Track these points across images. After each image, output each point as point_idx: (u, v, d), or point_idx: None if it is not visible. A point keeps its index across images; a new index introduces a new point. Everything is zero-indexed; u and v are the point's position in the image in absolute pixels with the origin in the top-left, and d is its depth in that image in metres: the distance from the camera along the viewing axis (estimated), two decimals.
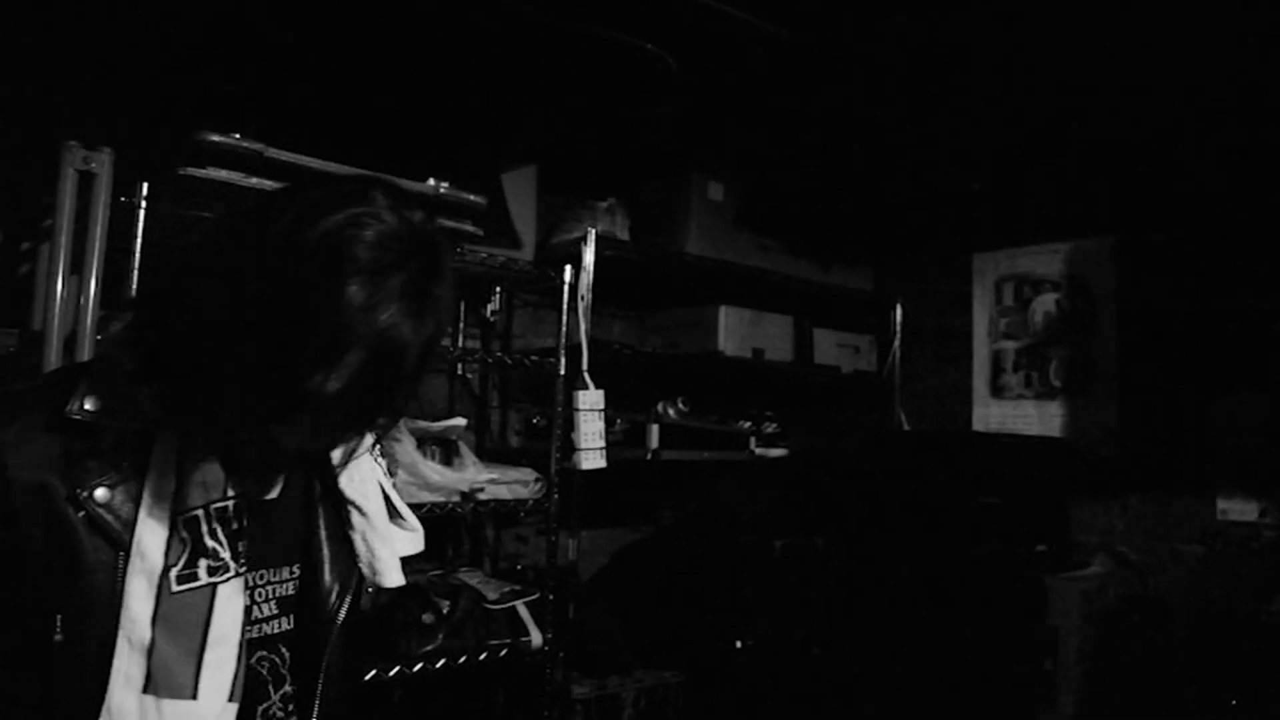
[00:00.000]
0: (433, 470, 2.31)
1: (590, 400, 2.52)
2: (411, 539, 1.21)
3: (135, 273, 1.77)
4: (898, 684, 2.78)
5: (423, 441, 2.47)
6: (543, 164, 2.84)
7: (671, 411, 2.89)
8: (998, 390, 3.23)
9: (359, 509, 1.09)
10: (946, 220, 3.38)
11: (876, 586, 2.90)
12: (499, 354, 2.91)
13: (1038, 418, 3.11)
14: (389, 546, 1.12)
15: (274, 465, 0.98)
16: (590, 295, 2.60)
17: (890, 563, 2.89)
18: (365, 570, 1.11)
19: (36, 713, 0.87)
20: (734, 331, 3.06)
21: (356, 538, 1.10)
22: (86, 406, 0.89)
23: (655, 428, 2.76)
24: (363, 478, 1.10)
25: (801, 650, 2.98)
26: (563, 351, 2.55)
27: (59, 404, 0.89)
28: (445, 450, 2.51)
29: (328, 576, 1.07)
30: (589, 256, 2.63)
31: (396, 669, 2.19)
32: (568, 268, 2.60)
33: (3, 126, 2.14)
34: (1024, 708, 2.62)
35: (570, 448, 2.53)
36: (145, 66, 2.12)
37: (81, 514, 0.87)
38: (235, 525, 0.96)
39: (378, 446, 1.15)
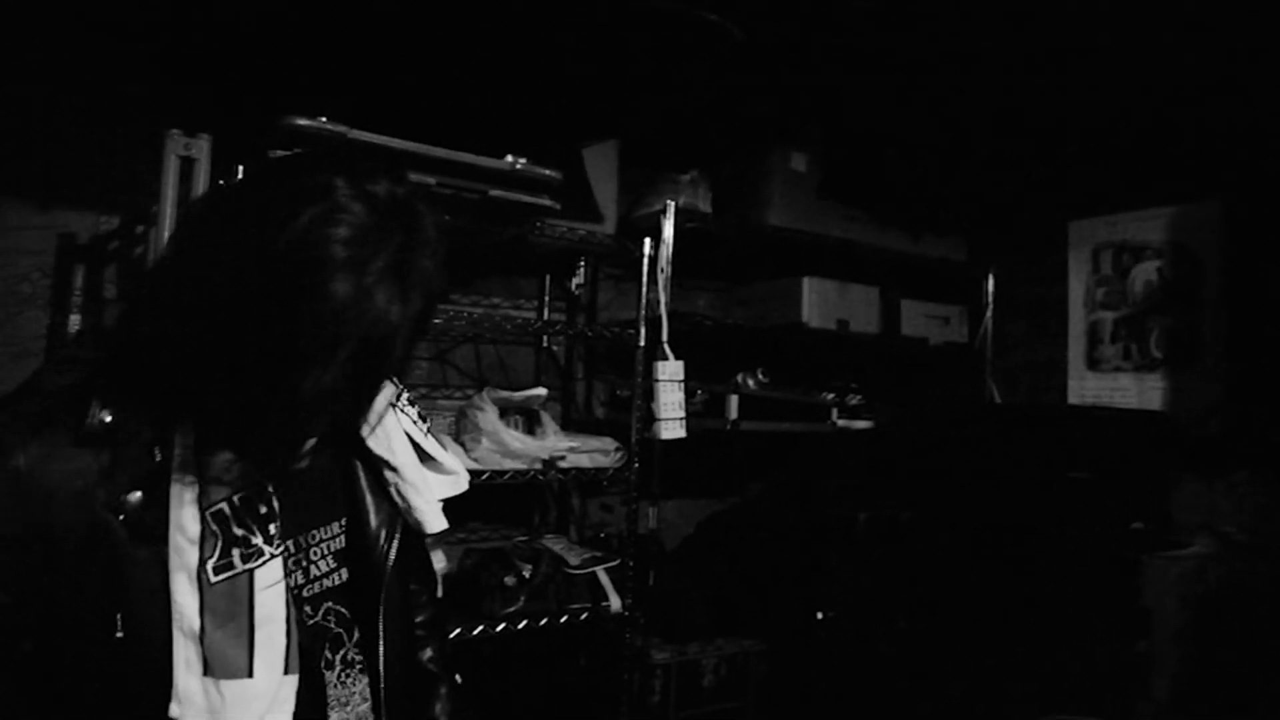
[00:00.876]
0: (514, 438, 2.40)
1: (669, 371, 2.55)
2: (450, 481, 1.26)
3: None
4: (983, 661, 2.74)
5: (505, 411, 2.55)
6: (624, 138, 2.87)
7: (751, 382, 2.89)
8: (1094, 362, 3.11)
9: (388, 464, 1.14)
10: (1042, 186, 3.26)
11: (964, 562, 2.86)
12: (581, 326, 2.97)
13: (1136, 391, 2.99)
14: (423, 495, 1.17)
15: (284, 451, 1.00)
16: (670, 267, 2.62)
17: (979, 538, 2.84)
18: (410, 520, 1.17)
19: (113, 706, 0.92)
20: (818, 303, 3.04)
21: (392, 491, 1.15)
22: (105, 419, 0.91)
23: (734, 398, 2.77)
24: (386, 433, 1.14)
25: (886, 624, 2.97)
26: (642, 323, 2.59)
27: (78, 417, 0.91)
28: (528, 419, 2.59)
29: (373, 522, 1.12)
30: (668, 229, 2.65)
31: (480, 628, 2.29)
32: (646, 240, 2.62)
33: (119, 120, 2.30)
34: (1116, 690, 2.55)
35: (650, 418, 2.57)
36: (241, 53, 2.24)
37: (120, 518, 0.90)
38: (263, 509, 1.00)
39: (402, 397, 1.20)
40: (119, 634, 0.90)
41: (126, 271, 2.32)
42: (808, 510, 3.12)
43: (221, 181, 1.90)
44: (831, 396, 3.03)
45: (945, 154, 3.13)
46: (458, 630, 2.24)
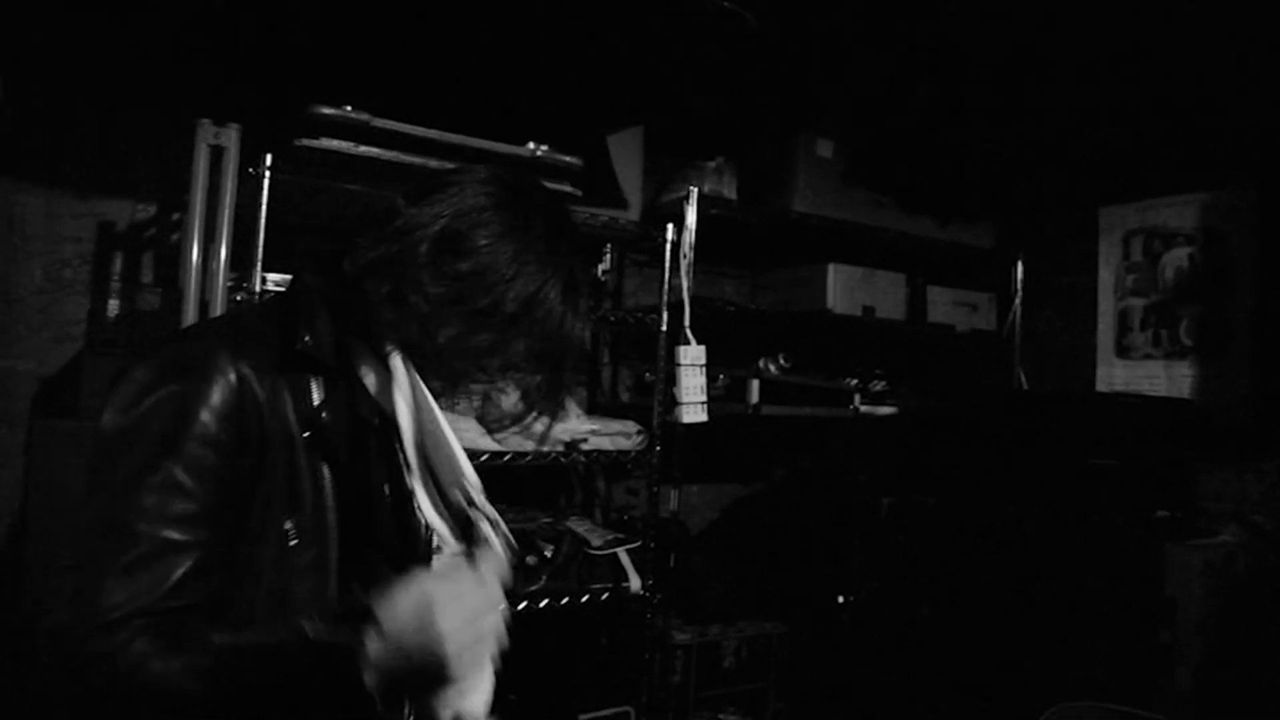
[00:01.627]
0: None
1: (691, 355, 2.58)
2: None
3: (261, 237, 1.94)
4: (1005, 647, 2.74)
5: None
6: (649, 125, 2.89)
7: (772, 368, 2.91)
8: (1123, 350, 3.08)
9: None
10: (1072, 173, 3.22)
11: (987, 548, 2.86)
12: (606, 311, 3.00)
13: (1165, 378, 2.95)
14: None
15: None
16: (693, 253, 2.64)
17: (1003, 525, 2.84)
18: None
19: (279, 609, 1.02)
20: (843, 289, 3.05)
21: None
22: (308, 340, 1.05)
23: (755, 383, 2.79)
24: None
25: (908, 608, 2.98)
26: (665, 308, 2.61)
27: (286, 340, 1.05)
28: None
29: None
30: (692, 215, 2.67)
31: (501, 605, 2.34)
32: (670, 226, 2.65)
33: (155, 110, 2.38)
34: (1139, 679, 2.54)
35: (672, 402, 2.60)
36: (266, 44, 2.30)
37: (306, 434, 1.04)
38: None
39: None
40: (293, 542, 1.02)
41: (163, 258, 2.40)
42: (831, 495, 3.14)
43: (250, 170, 1.96)
44: (854, 382, 3.03)
45: (973, 141, 3.10)
46: None
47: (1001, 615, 2.76)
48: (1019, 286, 3.40)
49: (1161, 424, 2.81)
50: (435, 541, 1.17)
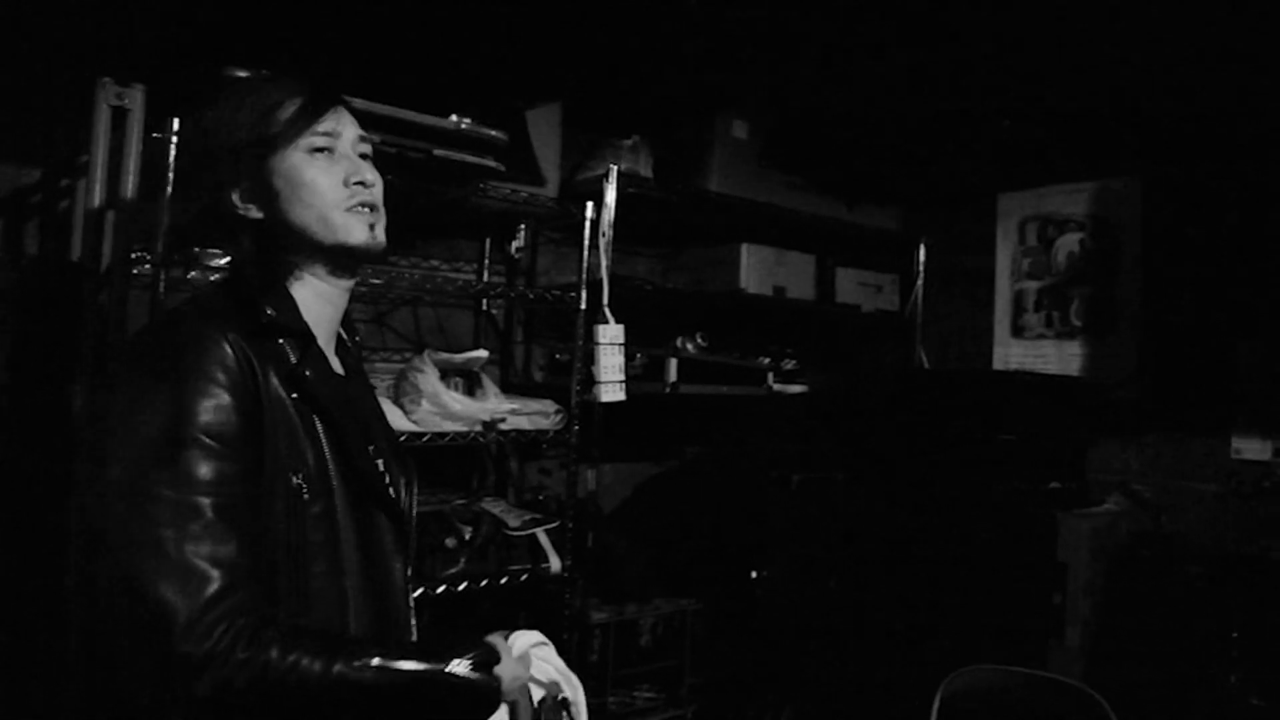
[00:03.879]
0: (455, 400, 2.39)
1: (610, 334, 2.57)
2: None
3: (167, 207, 1.83)
4: (912, 616, 2.85)
5: (446, 373, 2.54)
6: (568, 101, 2.85)
7: (690, 346, 2.93)
8: (1018, 330, 3.23)
9: None
10: (973, 160, 3.35)
11: (893, 521, 2.96)
12: (522, 289, 2.96)
13: (1057, 357, 3.12)
14: None
15: None
16: (611, 231, 2.63)
17: (907, 498, 2.95)
18: None
19: (296, 557, 1.07)
20: (756, 269, 3.09)
21: None
22: (270, 312, 1.10)
23: (673, 362, 2.81)
24: None
25: (818, 582, 3.06)
26: (584, 287, 2.60)
27: (252, 313, 1.09)
28: (468, 382, 2.58)
29: None
30: (610, 193, 2.66)
31: (420, 590, 2.29)
32: (589, 204, 2.63)
33: (40, 64, 2.20)
34: (1034, 640, 2.68)
35: (590, 381, 2.59)
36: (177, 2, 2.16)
37: (294, 395, 1.09)
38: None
39: None
40: (305, 495, 1.07)
41: (50, 226, 2.23)
42: (743, 472, 3.19)
43: (156, 135, 1.84)
44: (768, 361, 3.09)
45: (881, 126, 3.18)
46: None
47: (908, 585, 2.87)
48: (921, 268, 3.52)
49: (1053, 401, 2.96)
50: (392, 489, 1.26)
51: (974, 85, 2.78)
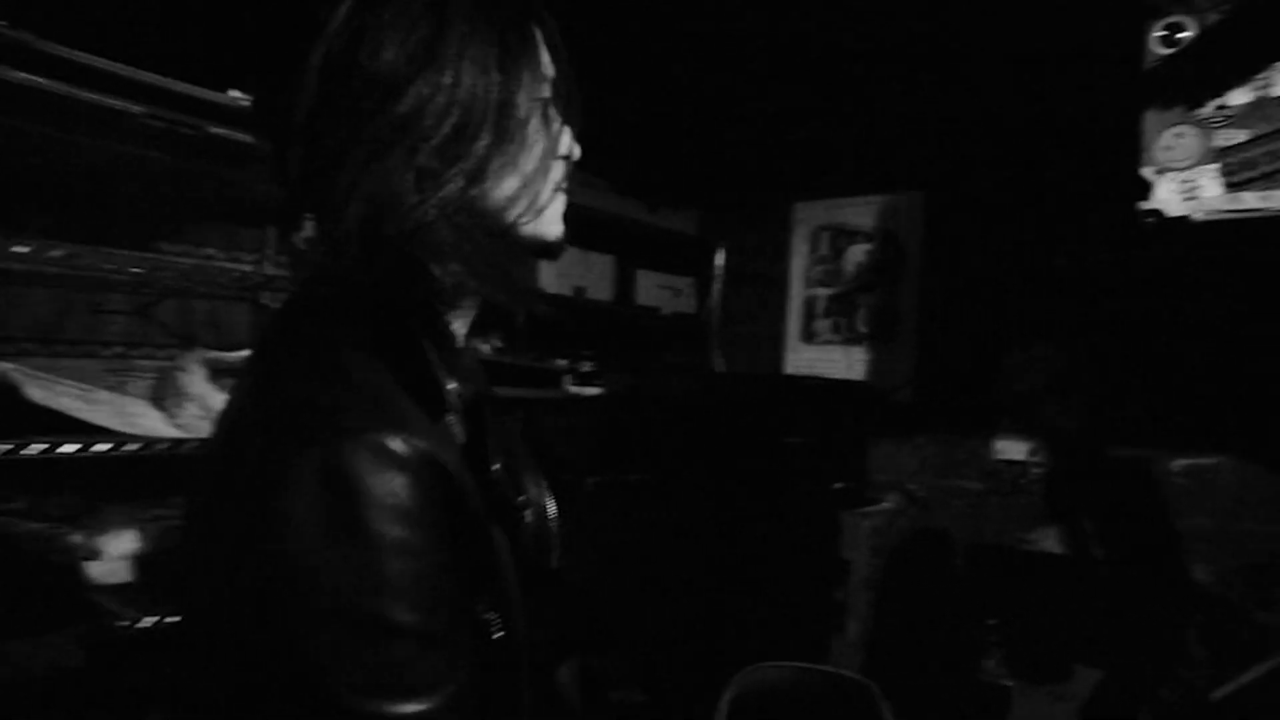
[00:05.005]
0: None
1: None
2: None
3: None
4: (703, 616, 2.88)
5: (217, 373, 2.33)
6: None
7: (486, 348, 2.83)
8: (809, 335, 3.36)
9: None
10: (771, 168, 3.45)
11: (686, 522, 2.99)
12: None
13: (844, 362, 3.26)
14: None
15: None
16: None
17: (700, 500, 2.98)
18: None
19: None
20: (556, 269, 3.04)
21: None
22: (449, 384, 0.78)
23: None
24: None
25: (614, 584, 3.04)
26: None
27: (427, 388, 0.76)
28: None
29: None
30: None
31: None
32: None
33: None
34: (819, 636, 2.78)
35: None
36: None
37: (483, 500, 0.77)
38: None
39: None
40: (498, 634, 0.76)
41: None
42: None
43: None
44: (564, 363, 3.04)
45: (682, 129, 3.21)
46: (156, 617, 2.02)
47: (701, 586, 2.91)
48: (719, 272, 3.58)
49: (840, 404, 3.09)
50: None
51: (766, 96, 2.86)
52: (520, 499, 0.89)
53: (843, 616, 2.80)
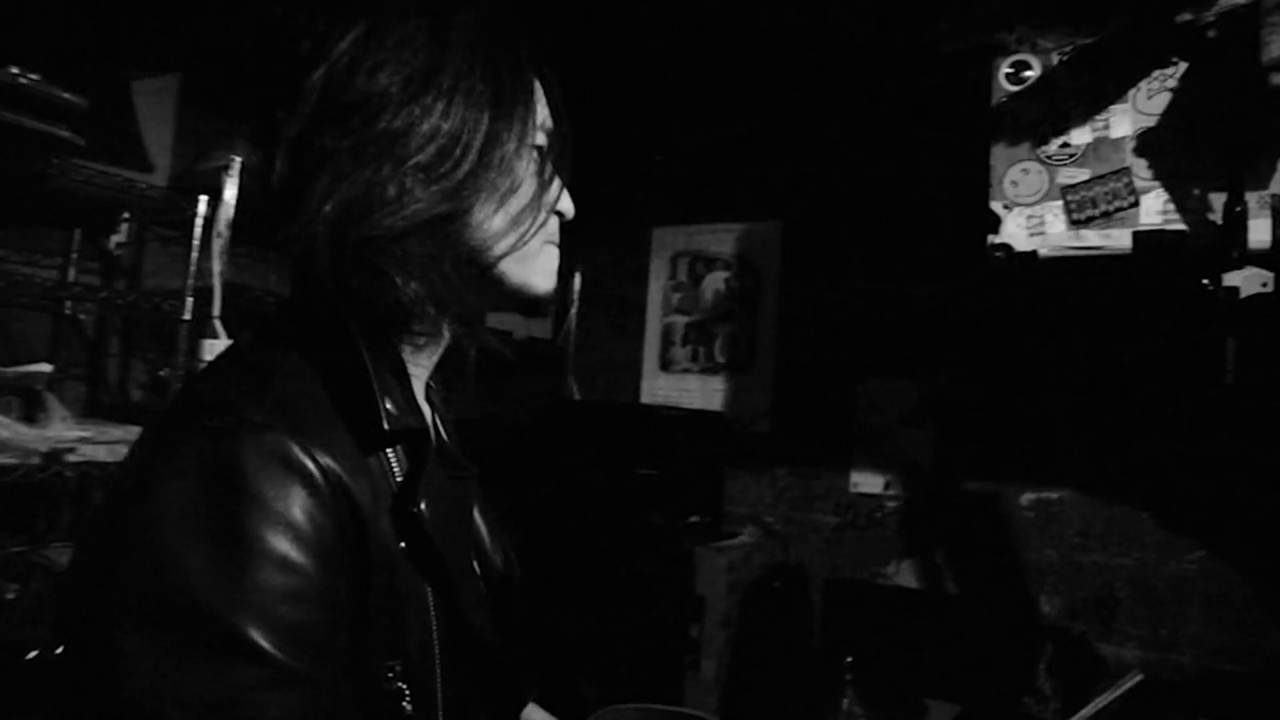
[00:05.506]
0: (2, 426, 1.91)
1: (218, 351, 2.21)
2: None
3: None
4: (551, 655, 2.74)
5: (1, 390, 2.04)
6: (189, 76, 2.47)
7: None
8: (666, 363, 3.28)
9: None
10: (631, 192, 3.38)
11: (534, 557, 2.84)
12: (116, 293, 2.50)
13: (701, 392, 3.20)
14: None
15: None
16: (228, 232, 2.28)
17: (549, 532, 2.85)
18: None
19: None
20: None
21: None
22: (390, 408, 0.75)
23: None
24: None
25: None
26: (189, 294, 2.22)
27: (362, 412, 0.73)
28: (27, 402, 2.10)
29: None
30: (231, 189, 2.31)
31: None
32: (203, 199, 2.27)
33: None
34: (673, 674, 2.68)
35: None
36: None
37: (403, 543, 0.72)
38: None
39: None
40: (406, 704, 0.71)
41: None
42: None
43: None
44: None
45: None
46: None
47: (550, 623, 2.76)
48: (576, 296, 3.47)
49: (696, 435, 3.02)
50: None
51: (629, 120, 2.79)
52: (460, 557, 0.85)
53: (698, 654, 2.71)
